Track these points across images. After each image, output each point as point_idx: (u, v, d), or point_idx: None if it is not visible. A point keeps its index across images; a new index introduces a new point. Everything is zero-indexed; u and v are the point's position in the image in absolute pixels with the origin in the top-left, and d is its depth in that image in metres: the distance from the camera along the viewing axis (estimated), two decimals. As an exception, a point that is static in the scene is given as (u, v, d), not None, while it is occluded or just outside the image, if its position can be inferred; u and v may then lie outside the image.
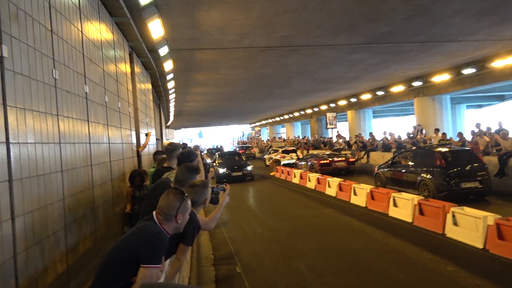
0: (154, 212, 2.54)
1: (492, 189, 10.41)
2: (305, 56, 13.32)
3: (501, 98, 30.38)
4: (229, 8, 8.20)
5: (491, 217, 6.36)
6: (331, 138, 27.56)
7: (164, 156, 6.58)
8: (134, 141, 8.14)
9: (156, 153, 7.01)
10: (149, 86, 12.28)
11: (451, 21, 10.06)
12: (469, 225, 6.77)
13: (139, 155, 8.25)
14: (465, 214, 6.93)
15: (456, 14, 9.50)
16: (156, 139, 14.42)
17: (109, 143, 5.59)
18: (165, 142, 13.21)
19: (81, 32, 4.59)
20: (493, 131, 12.92)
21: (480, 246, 6.35)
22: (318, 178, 14.36)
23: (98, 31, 5.47)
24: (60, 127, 3.66)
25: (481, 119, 19.58)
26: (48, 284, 3.18)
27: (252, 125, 61.66)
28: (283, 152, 25.21)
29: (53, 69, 3.57)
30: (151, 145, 10.67)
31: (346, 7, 8.61)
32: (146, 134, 9.33)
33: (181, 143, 23.80)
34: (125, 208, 6.15)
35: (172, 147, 4.78)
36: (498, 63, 14.82)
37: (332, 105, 29.98)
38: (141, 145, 8.63)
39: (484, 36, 11.75)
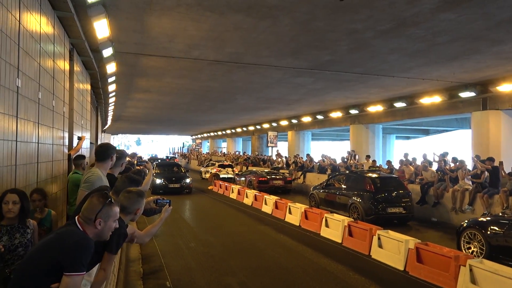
0: (76, 216, 2.41)
1: (414, 215, 11.24)
2: (251, 74, 13.57)
3: (426, 132, 33.44)
4: (180, 18, 8.15)
5: (412, 241, 6.84)
6: (271, 156, 28.06)
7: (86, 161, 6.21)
8: (67, 143, 7.65)
9: (77, 158, 6.62)
10: (88, 87, 11.69)
11: (387, 58, 10.90)
12: (392, 248, 7.22)
13: (70, 159, 7.75)
14: (389, 237, 7.38)
15: (392, 52, 10.32)
16: (91, 143, 13.68)
17: (38, 142, 5.20)
18: None
19: (19, 22, 4.28)
20: (418, 162, 14.02)
21: (401, 268, 6.79)
22: (255, 195, 14.47)
23: (38, 23, 5.14)
24: (-16, 121, 3.35)
25: (408, 149, 21.25)
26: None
27: (194, 137, 60.95)
28: (220, 166, 25.78)
29: (-18, 58, 3.28)
30: (84, 149, 10.09)
31: (294, 33, 8.97)
32: (80, 138, 8.81)
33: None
34: None
35: (118, 154, 4.52)
36: (425, 100, 16.27)
37: (274, 124, 30.71)
38: (73, 148, 8.13)
39: (415, 74, 12.87)
